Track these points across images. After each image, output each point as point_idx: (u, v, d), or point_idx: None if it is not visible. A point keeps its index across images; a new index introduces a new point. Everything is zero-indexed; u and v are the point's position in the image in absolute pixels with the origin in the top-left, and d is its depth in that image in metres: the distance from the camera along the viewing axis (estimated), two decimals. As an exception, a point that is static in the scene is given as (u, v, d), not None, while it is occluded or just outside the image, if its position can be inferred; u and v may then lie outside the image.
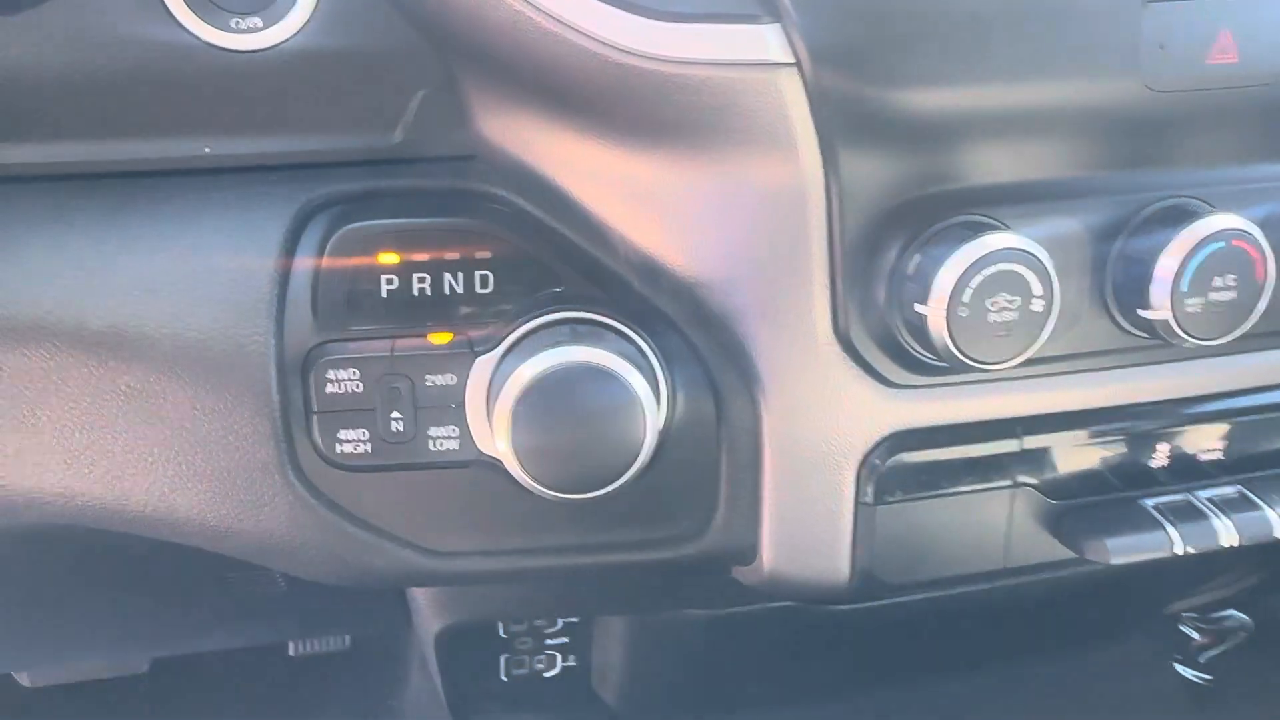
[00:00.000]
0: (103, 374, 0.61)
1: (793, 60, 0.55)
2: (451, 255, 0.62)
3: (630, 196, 0.61)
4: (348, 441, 0.62)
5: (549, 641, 1.03)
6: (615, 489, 0.60)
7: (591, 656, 1.05)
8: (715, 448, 0.64)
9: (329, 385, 0.61)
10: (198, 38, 0.59)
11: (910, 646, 1.07)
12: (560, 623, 1.03)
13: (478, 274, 0.62)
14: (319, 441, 0.62)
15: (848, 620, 0.95)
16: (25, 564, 1.05)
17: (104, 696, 1.34)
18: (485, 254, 0.62)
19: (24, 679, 1.28)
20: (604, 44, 0.55)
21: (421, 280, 0.62)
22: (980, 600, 0.75)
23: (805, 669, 1.06)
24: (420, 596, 0.95)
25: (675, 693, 1.04)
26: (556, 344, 0.59)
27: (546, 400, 0.57)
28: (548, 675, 1.05)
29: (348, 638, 1.35)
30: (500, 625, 1.01)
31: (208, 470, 0.62)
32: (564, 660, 1.05)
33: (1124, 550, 0.65)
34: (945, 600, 0.73)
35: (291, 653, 1.35)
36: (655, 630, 0.97)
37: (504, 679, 1.04)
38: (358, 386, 0.61)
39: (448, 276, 0.62)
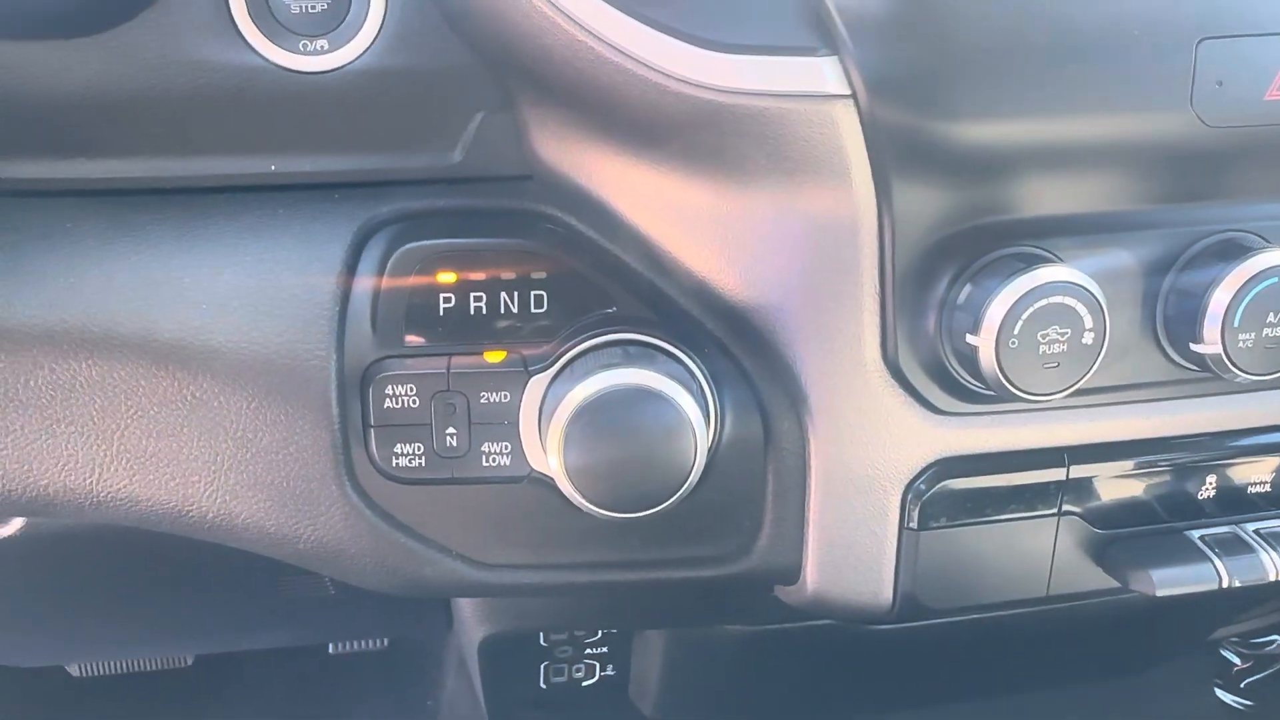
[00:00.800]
0: (170, 384, 0.63)
1: (849, 92, 0.56)
2: (507, 275, 0.63)
3: (683, 221, 0.62)
4: (403, 455, 0.63)
5: (588, 651, 1.04)
6: (664, 508, 0.60)
7: (630, 667, 1.05)
8: (762, 469, 0.65)
9: (387, 400, 0.62)
10: (267, 59, 0.61)
11: (949, 667, 1.07)
12: (600, 633, 1.04)
13: (533, 294, 0.63)
14: (375, 454, 0.63)
15: (886, 640, 0.95)
16: (80, 561, 1.08)
17: (148, 688, 1.37)
18: (540, 274, 0.63)
19: (73, 670, 1.31)
20: (663, 74, 0.56)
21: (478, 299, 0.63)
22: (1020, 623, 0.75)
23: (842, 687, 1.06)
24: (465, 605, 0.97)
25: (711, 706, 1.05)
26: (609, 365, 0.60)
27: (599, 421, 0.58)
28: (586, 684, 1.06)
29: (386, 639, 1.37)
30: (541, 634, 1.02)
31: (267, 479, 0.64)
32: (602, 670, 1.06)
33: (1170, 582, 0.65)
34: (985, 622, 0.73)
35: (331, 651, 1.37)
36: (694, 643, 0.98)
37: (543, 686, 1.05)
38: (414, 402, 0.62)
39: (504, 296, 0.63)
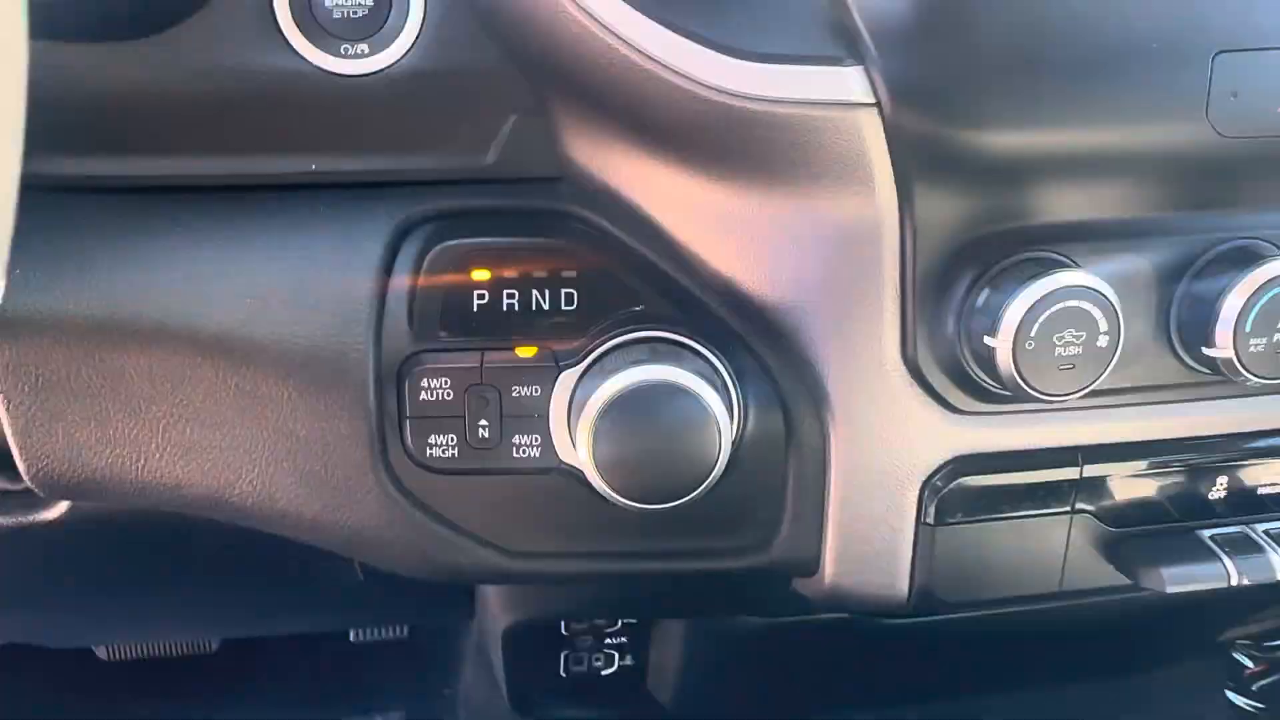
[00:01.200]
0: (214, 375, 0.65)
1: (873, 101, 0.57)
2: (539, 273, 0.65)
3: (711, 222, 0.64)
4: (437, 446, 0.65)
5: (608, 641, 1.06)
6: (688, 500, 0.62)
7: (648, 657, 1.07)
8: (783, 464, 0.66)
9: (422, 393, 0.64)
10: (310, 63, 0.63)
11: (961, 662, 1.08)
12: (620, 623, 1.06)
13: (563, 291, 0.65)
14: (410, 445, 0.65)
15: (900, 634, 0.96)
16: (111, 546, 1.11)
17: (174, 671, 1.40)
18: (571, 272, 0.65)
19: (101, 653, 1.34)
20: (696, 82, 0.58)
21: (511, 296, 0.65)
22: (1033, 620, 0.76)
23: (856, 680, 1.08)
24: (490, 593, 0.99)
25: (728, 696, 1.06)
26: (637, 362, 0.61)
27: (628, 415, 0.60)
28: (605, 673, 1.08)
29: (406, 628, 1.39)
30: (562, 624, 1.04)
31: (307, 468, 0.66)
32: (621, 659, 1.07)
33: (1180, 580, 0.66)
34: (998, 618, 0.74)
35: (352, 639, 1.40)
36: (712, 634, 0.99)
37: (562, 675, 1.07)
38: (448, 395, 0.64)
39: (535, 293, 0.65)
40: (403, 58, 0.63)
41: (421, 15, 0.63)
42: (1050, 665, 1.13)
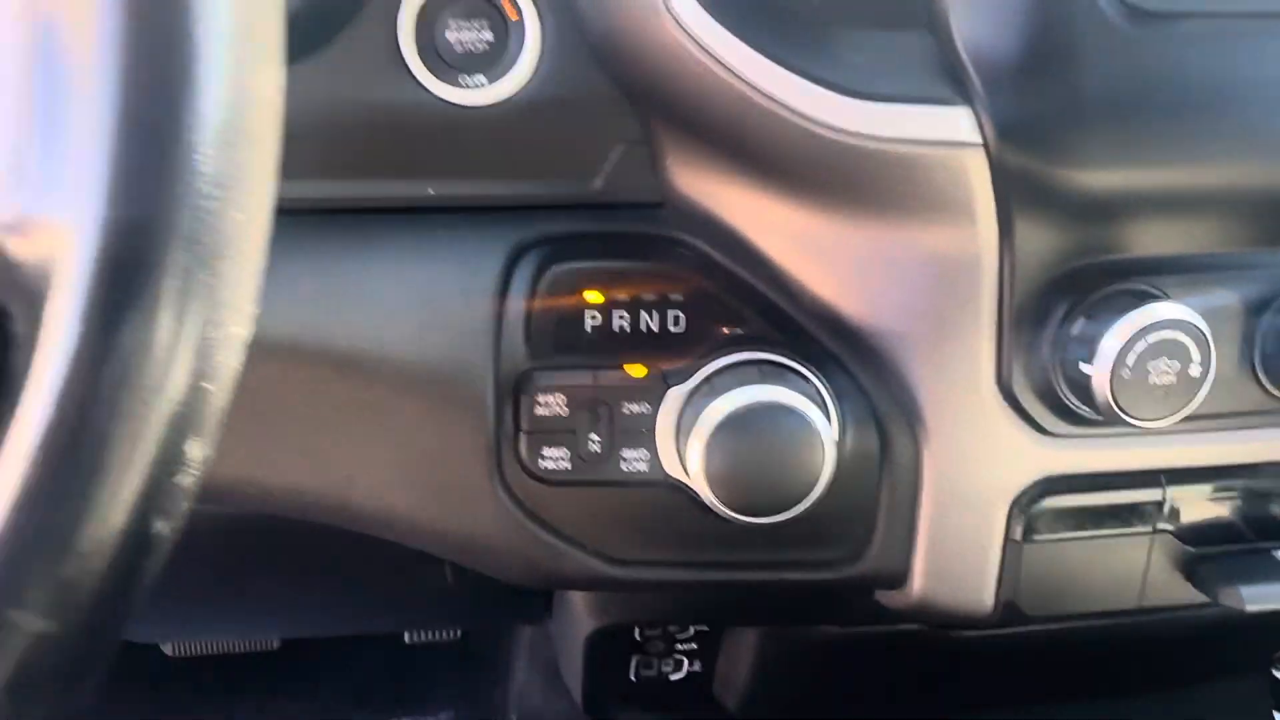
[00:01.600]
0: (344, 389, 0.67)
1: (980, 140, 0.60)
2: (648, 296, 0.68)
3: (813, 251, 0.66)
4: (550, 459, 0.68)
5: (679, 646, 1.09)
6: (791, 515, 0.65)
7: (717, 663, 1.10)
8: (877, 481, 0.69)
9: (538, 408, 0.67)
10: (431, 93, 0.66)
11: (1014, 676, 1.10)
12: (691, 629, 1.08)
13: (670, 314, 0.68)
14: (525, 457, 0.68)
15: (958, 647, 0.98)
16: (195, 546, 1.14)
17: (228, 669, 1.43)
18: (678, 296, 0.68)
19: (168, 649, 1.38)
20: (811, 120, 0.60)
21: (621, 318, 0.67)
22: (1081, 636, 0.79)
23: (919, 690, 1.10)
24: (577, 599, 1.02)
25: (795, 704, 1.09)
26: (747, 382, 0.64)
27: (741, 432, 0.63)
28: (673, 678, 1.11)
29: (459, 631, 1.42)
30: (637, 629, 1.07)
31: (425, 478, 0.69)
32: (690, 665, 1.10)
33: (1258, 599, 0.68)
34: (1050, 634, 0.77)
35: (407, 640, 1.43)
36: (782, 642, 1.02)
37: (632, 679, 1.10)
38: (563, 410, 0.67)
39: (644, 315, 0.67)
40: (519, 90, 0.66)
41: (539, 50, 0.66)
42: (1095, 681, 1.15)
